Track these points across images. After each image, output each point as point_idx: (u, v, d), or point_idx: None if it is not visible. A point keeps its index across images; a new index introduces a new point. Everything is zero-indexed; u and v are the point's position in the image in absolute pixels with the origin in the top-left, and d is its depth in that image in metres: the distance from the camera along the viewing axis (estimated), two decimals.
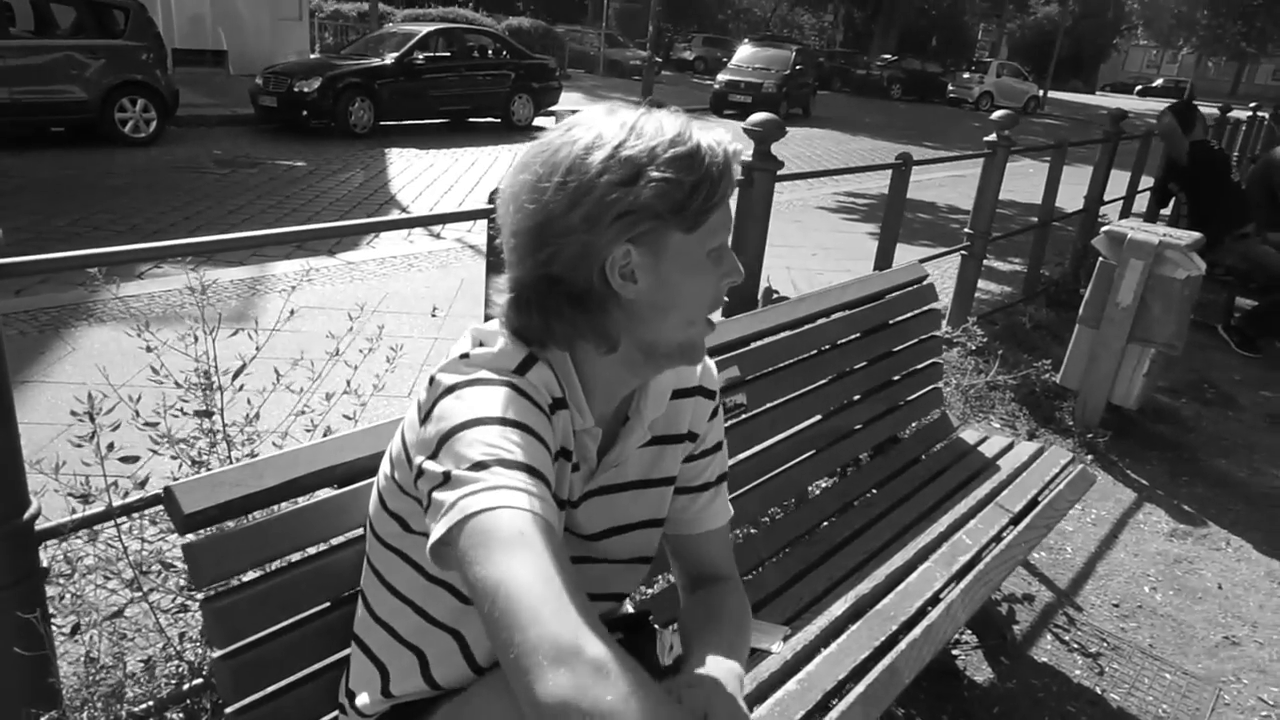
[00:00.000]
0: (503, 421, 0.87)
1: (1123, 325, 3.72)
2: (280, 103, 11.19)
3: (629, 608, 1.37)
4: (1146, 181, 7.23)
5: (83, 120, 9.17)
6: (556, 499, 1.01)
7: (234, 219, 6.90)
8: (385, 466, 1.07)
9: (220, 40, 15.69)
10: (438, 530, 0.79)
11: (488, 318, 1.09)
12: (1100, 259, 3.81)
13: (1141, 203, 7.49)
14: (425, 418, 0.93)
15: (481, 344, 1.00)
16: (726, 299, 1.22)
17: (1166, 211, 6.58)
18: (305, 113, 11.14)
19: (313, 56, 15.34)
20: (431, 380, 0.96)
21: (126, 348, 3.93)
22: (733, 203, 1.04)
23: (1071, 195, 6.34)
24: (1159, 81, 58.05)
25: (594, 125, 0.95)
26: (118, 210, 6.78)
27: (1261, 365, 5.16)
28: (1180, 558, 3.05)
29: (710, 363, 1.22)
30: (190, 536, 1.15)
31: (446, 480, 0.82)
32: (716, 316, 2.90)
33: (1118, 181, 6.54)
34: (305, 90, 11.06)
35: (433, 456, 0.87)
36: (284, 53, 15.15)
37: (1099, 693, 2.33)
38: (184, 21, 15.05)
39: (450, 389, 0.92)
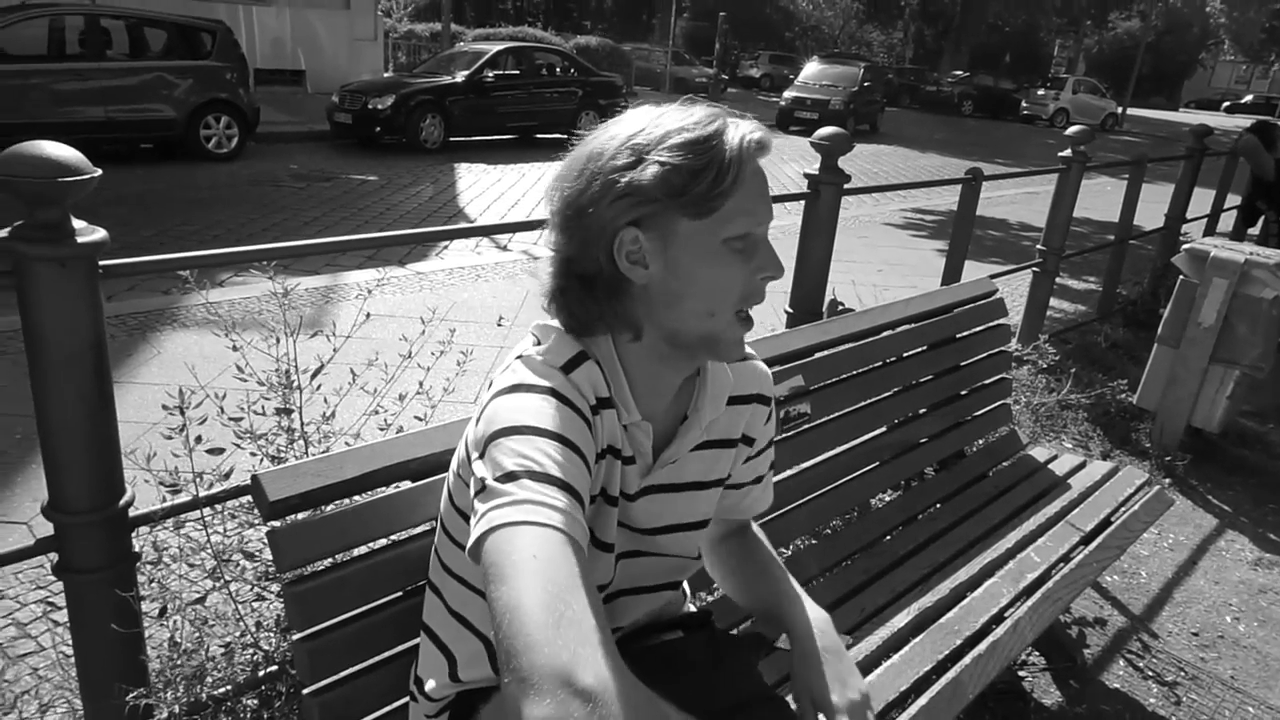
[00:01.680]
0: (538, 432, 0.90)
1: (1205, 345, 3.60)
2: (355, 119, 11.55)
3: (691, 607, 1.38)
4: (1232, 200, 6.97)
5: (170, 137, 9.61)
6: (606, 494, 1.05)
7: (309, 230, 7.14)
8: (453, 464, 1.11)
9: (299, 60, 16.30)
10: (472, 536, 0.83)
11: None
12: (1181, 278, 3.69)
13: (1227, 221, 7.22)
14: (479, 417, 0.97)
15: (538, 341, 1.03)
16: (787, 303, 1.22)
17: (1254, 231, 6.33)
18: (378, 129, 11.47)
19: (386, 75, 15.80)
20: (489, 381, 1.01)
21: (209, 351, 4.11)
22: (794, 209, 1.05)
23: (1152, 213, 6.16)
24: (1248, 98, 55.79)
25: (628, 117, 1.00)
26: (201, 222, 7.08)
27: None
28: (1265, 588, 2.92)
29: (765, 369, 1.24)
30: (274, 523, 1.20)
31: (483, 488, 0.86)
32: (780, 326, 2.88)
33: (1201, 200, 6.31)
34: (379, 107, 11.39)
35: (480, 456, 0.90)
36: (359, 72, 15.67)
37: None
38: (265, 43, 15.68)
39: (500, 392, 0.96)
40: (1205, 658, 2.54)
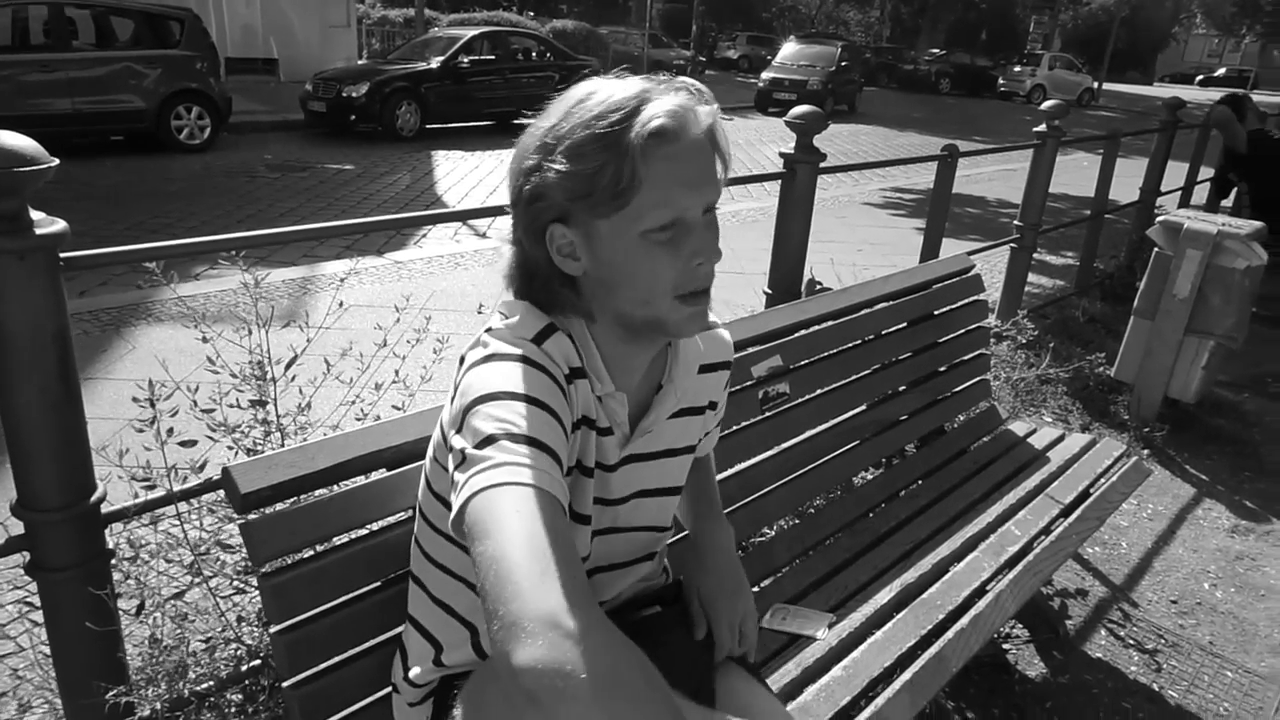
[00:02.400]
0: (512, 396, 0.90)
1: (1180, 317, 3.62)
2: (329, 108, 11.42)
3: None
4: (1206, 172, 7.02)
5: (140, 128, 9.46)
6: (581, 465, 1.05)
7: (285, 221, 7.06)
8: (430, 451, 1.10)
9: (271, 48, 16.07)
10: (454, 507, 0.83)
11: None
12: (1156, 250, 3.71)
13: (1201, 193, 7.28)
14: (454, 394, 0.97)
15: (506, 315, 1.03)
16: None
17: (1227, 202, 6.38)
18: (353, 117, 11.35)
19: (360, 62, 15.61)
20: (461, 359, 1.00)
21: (184, 345, 4.06)
22: (772, 190, 1.03)
23: (1127, 187, 6.19)
24: (1221, 71, 56.12)
25: (560, 101, 0.99)
26: (174, 214, 6.98)
27: None
28: (1242, 554, 2.96)
29: (727, 336, 1.26)
30: (248, 516, 1.19)
31: (463, 459, 0.86)
32: (758, 306, 2.87)
33: (1175, 173, 6.36)
34: (353, 95, 11.27)
35: (458, 431, 0.90)
36: (333, 59, 15.47)
37: (1156, 689, 2.28)
38: (236, 31, 15.45)
39: (473, 364, 0.96)
40: (1184, 625, 2.57)
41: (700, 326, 1.04)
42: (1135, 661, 2.38)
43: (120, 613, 1.60)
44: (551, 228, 0.98)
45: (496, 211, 2.64)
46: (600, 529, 1.13)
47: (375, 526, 1.29)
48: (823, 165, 2.91)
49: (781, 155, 2.89)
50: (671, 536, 1.31)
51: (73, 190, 7.55)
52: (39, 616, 2.28)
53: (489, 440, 0.85)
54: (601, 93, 0.96)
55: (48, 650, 1.61)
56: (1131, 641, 2.46)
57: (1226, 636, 2.53)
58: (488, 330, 1.02)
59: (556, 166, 0.94)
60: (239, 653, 1.81)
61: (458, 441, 0.88)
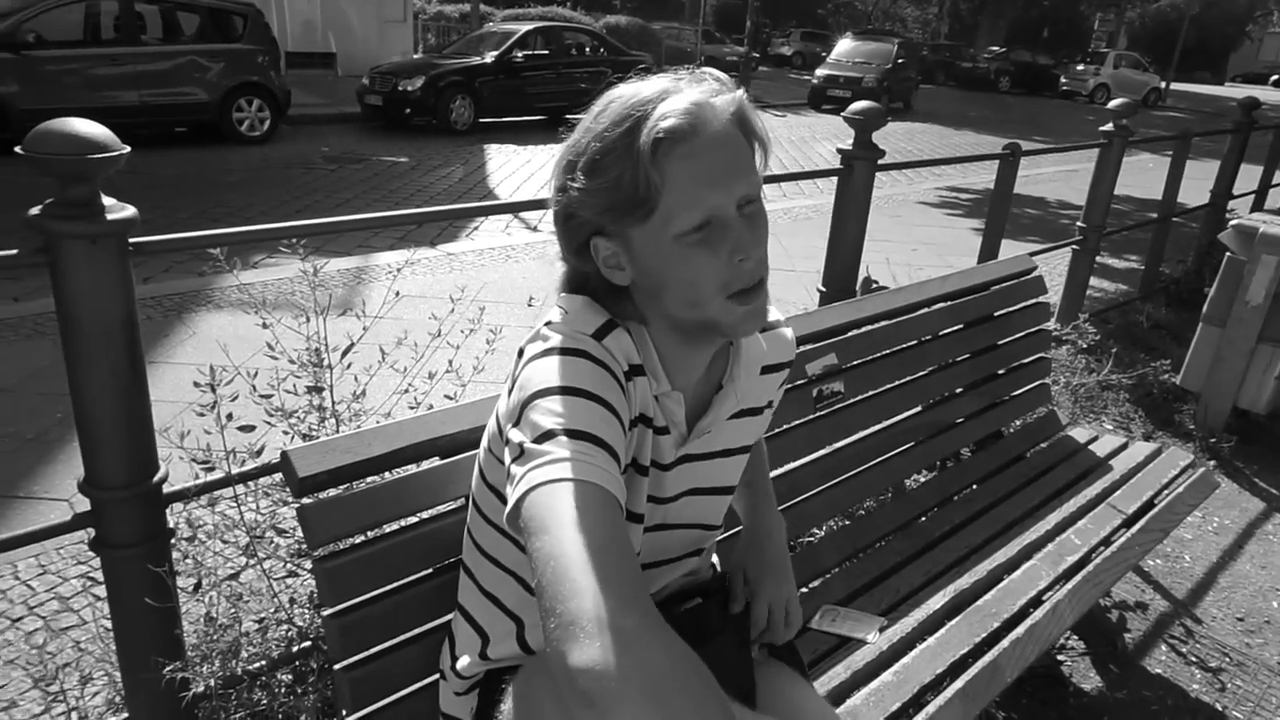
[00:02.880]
0: (571, 391, 0.89)
1: (1252, 325, 3.49)
2: (385, 101, 11.59)
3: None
4: None
5: (203, 120, 9.71)
6: (638, 464, 1.04)
7: (341, 211, 7.18)
8: (484, 442, 1.10)
9: (330, 43, 16.37)
10: (510, 501, 0.83)
11: None
12: (1228, 254, 3.58)
13: (1275, 198, 7.01)
14: (511, 387, 0.96)
15: (565, 311, 1.02)
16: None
17: None
18: (409, 111, 11.51)
19: (416, 57, 15.82)
20: (520, 351, 0.99)
21: (243, 332, 4.15)
22: (828, 187, 1.01)
23: (1197, 190, 5.99)
24: None
25: (587, 115, 0.98)
26: (234, 204, 7.15)
27: None
28: None
29: (791, 336, 1.22)
30: (305, 500, 1.20)
31: (521, 453, 0.85)
32: (813, 304, 2.83)
33: (1248, 176, 6.13)
34: (409, 89, 11.42)
35: (515, 424, 0.89)
36: (389, 54, 15.71)
37: (1219, 709, 2.20)
38: (296, 26, 15.75)
39: (532, 358, 0.95)
40: (1251, 643, 2.48)
41: (758, 325, 1.00)
42: (1197, 679, 2.30)
43: (178, 590, 1.63)
44: (594, 241, 0.98)
45: (546, 205, 2.65)
46: (651, 525, 1.12)
47: (428, 514, 1.30)
48: (881, 162, 2.86)
49: (839, 151, 2.85)
50: (722, 533, 1.29)
51: (138, 180, 7.78)
52: (101, 591, 2.36)
53: (548, 435, 0.84)
54: (620, 99, 0.94)
55: (109, 624, 1.66)
56: (1194, 659, 2.38)
57: None
58: (547, 324, 1.01)
59: (577, 184, 0.94)
60: (290, 634, 1.84)
61: (515, 435, 0.88)
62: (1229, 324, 3.56)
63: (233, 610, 1.78)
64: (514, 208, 2.33)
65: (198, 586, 1.70)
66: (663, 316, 1.01)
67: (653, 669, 0.68)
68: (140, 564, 1.52)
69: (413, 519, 1.29)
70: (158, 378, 3.61)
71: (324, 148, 10.10)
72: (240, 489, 1.74)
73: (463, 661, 1.15)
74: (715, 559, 1.35)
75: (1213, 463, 3.49)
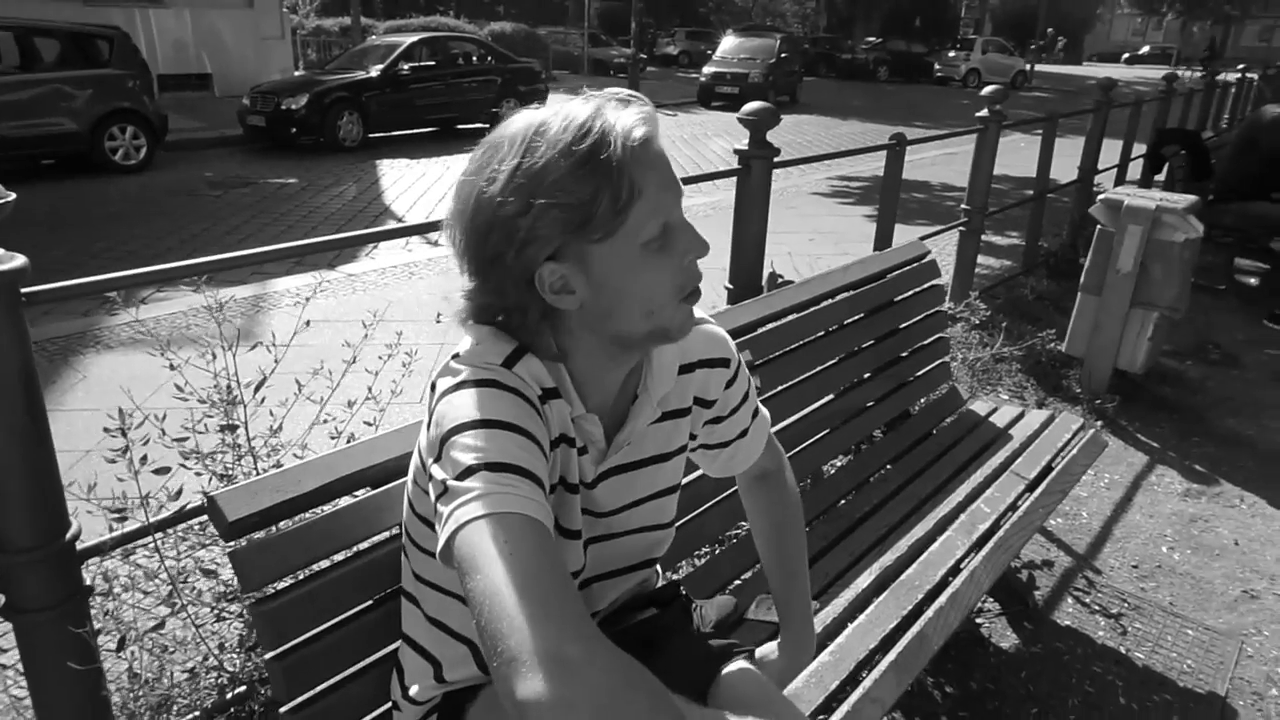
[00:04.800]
0: (487, 424, 0.89)
1: (1125, 291, 3.75)
2: (269, 121, 11.20)
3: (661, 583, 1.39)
4: (1139, 149, 7.26)
5: (74, 151, 9.19)
6: (565, 482, 1.05)
7: (232, 239, 6.93)
8: (410, 474, 1.10)
9: (204, 63, 15.71)
10: (440, 540, 0.84)
11: None
12: (1099, 226, 3.83)
13: (1135, 170, 7.51)
14: (429, 421, 0.96)
15: (472, 340, 1.01)
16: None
17: (1160, 177, 6.60)
18: (294, 130, 11.16)
19: (298, 74, 15.35)
20: (432, 386, 0.99)
21: (138, 371, 3.97)
22: (725, 185, 1.05)
23: (1064, 167, 6.36)
24: (1145, 49, 57.98)
25: (504, 140, 0.94)
26: (114, 238, 6.81)
27: (1263, 325, 5.17)
28: (1195, 517, 3.08)
29: (717, 331, 1.22)
30: (237, 544, 1.18)
31: (445, 490, 0.86)
32: (721, 302, 2.90)
33: (1109, 150, 6.55)
34: (293, 107, 11.07)
35: (436, 460, 0.90)
36: (268, 72, 15.18)
37: (1123, 652, 2.36)
38: (167, 47, 15.06)
39: (444, 393, 0.95)
40: (1145, 588, 2.67)
41: (694, 322, 1.05)
42: (1102, 626, 2.47)
43: (101, 646, 1.57)
44: (541, 269, 0.94)
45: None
46: (593, 537, 1.14)
47: (363, 546, 1.29)
48: (776, 159, 2.96)
49: (736, 151, 2.93)
50: (668, 543, 1.30)
51: (7, 220, 7.32)
52: (7, 659, 2.23)
53: (468, 471, 0.85)
54: (555, 119, 0.92)
55: (19, 693, 1.58)
56: (1097, 608, 2.55)
57: (1186, 596, 2.63)
58: (454, 356, 1.00)
59: (546, 203, 0.89)
60: (222, 681, 1.79)
61: (438, 472, 0.88)
62: (1104, 291, 3.82)
63: (157, 663, 1.72)
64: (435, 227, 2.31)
65: (122, 643, 1.64)
66: (602, 337, 1.00)
67: (599, 693, 0.69)
68: (57, 627, 1.45)
69: (348, 552, 1.28)
70: (51, 427, 3.42)
71: (207, 173, 9.70)
72: (159, 536, 1.68)
73: (415, 689, 1.15)
74: (659, 567, 1.38)
75: (1100, 423, 3.74)
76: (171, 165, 10.08)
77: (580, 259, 0.94)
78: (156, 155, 9.90)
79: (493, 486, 0.83)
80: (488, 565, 0.77)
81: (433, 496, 0.88)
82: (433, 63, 12.92)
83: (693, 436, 1.25)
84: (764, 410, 1.33)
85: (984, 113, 4.50)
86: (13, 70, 9.11)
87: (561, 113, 0.92)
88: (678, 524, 1.32)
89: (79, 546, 1.48)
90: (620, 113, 0.92)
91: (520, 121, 0.94)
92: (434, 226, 2.46)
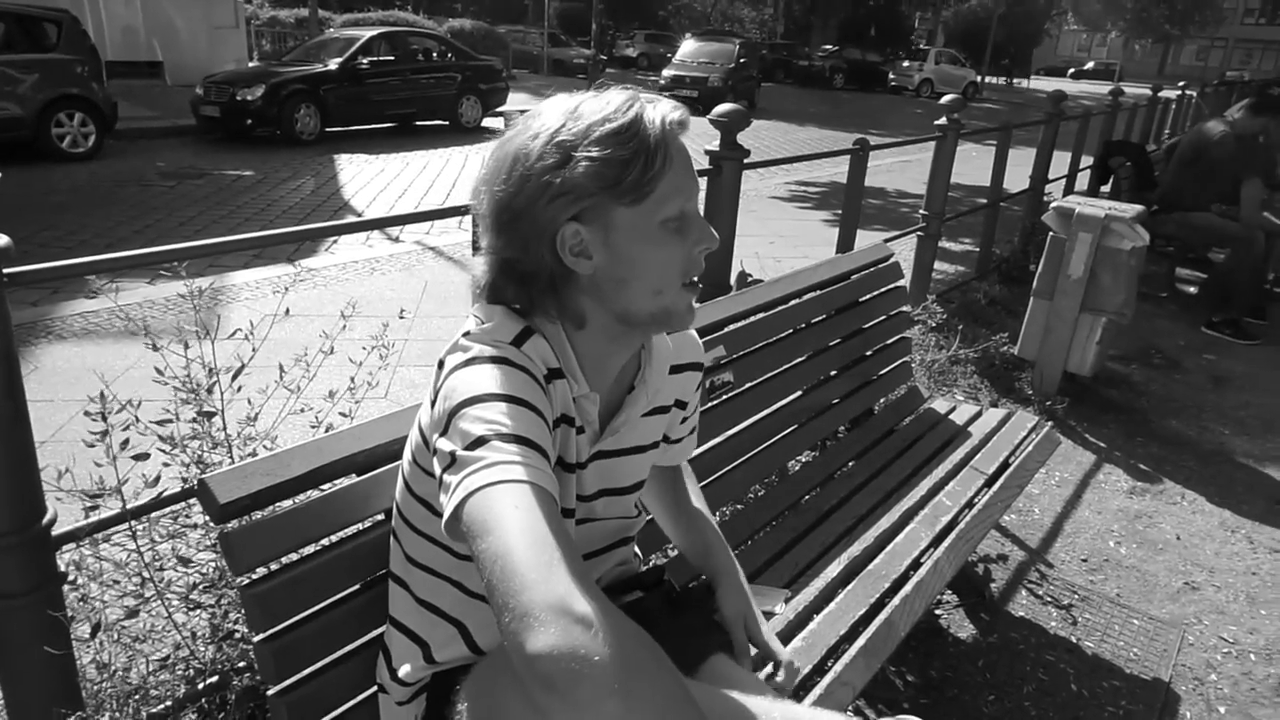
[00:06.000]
0: (498, 397, 0.92)
1: (1075, 296, 3.88)
2: (223, 112, 10.99)
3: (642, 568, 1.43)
4: (1086, 160, 7.49)
5: (19, 137, 8.91)
6: (563, 462, 1.09)
7: (186, 230, 6.79)
8: (407, 454, 1.12)
9: (155, 51, 15.35)
10: (447, 510, 0.85)
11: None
12: (1051, 234, 3.96)
13: (1083, 180, 7.75)
14: (435, 397, 0.98)
15: (482, 321, 1.05)
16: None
17: (1106, 188, 6.83)
18: (250, 121, 10.96)
19: (252, 64, 15.08)
20: (440, 363, 1.02)
21: (91, 362, 3.89)
22: (700, 186, 1.10)
23: (1015, 176, 6.55)
24: (1090, 64, 59.75)
25: (542, 114, 1.03)
26: (63, 227, 6.63)
27: (1202, 332, 5.39)
28: (1140, 513, 3.21)
29: (696, 337, 1.31)
30: (227, 526, 1.18)
31: (453, 461, 0.87)
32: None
33: (1058, 161, 6.76)
34: (249, 99, 10.89)
35: (443, 434, 0.92)
36: (221, 61, 14.87)
37: (1074, 641, 2.46)
38: (116, 33, 14.68)
39: (454, 368, 0.97)
40: (1094, 580, 2.78)
41: (692, 321, 1.10)
42: (1054, 617, 2.56)
43: (74, 634, 1.55)
44: (564, 228, 1.00)
45: (439, 215, 2.65)
46: (580, 519, 1.17)
47: (351, 530, 1.30)
48: (746, 161, 3.01)
49: (707, 152, 2.97)
50: (640, 524, 1.35)
51: None
52: None
53: (479, 441, 0.87)
54: (592, 99, 1.01)
55: None
56: (1049, 599, 2.65)
57: (1132, 588, 2.75)
58: (465, 334, 1.03)
59: (587, 156, 0.96)
60: (191, 671, 1.78)
61: (445, 444, 0.90)
62: (1055, 297, 3.95)
63: (131, 651, 1.70)
64: (416, 218, 2.31)
65: (96, 630, 1.62)
66: (610, 310, 1.05)
67: (611, 648, 0.71)
68: (31, 614, 1.44)
69: (336, 536, 1.29)
70: None
71: (159, 163, 9.48)
72: (134, 523, 1.66)
73: (404, 670, 1.17)
74: (637, 549, 1.42)
75: (1050, 423, 3.85)
76: (121, 154, 9.83)
77: (603, 224, 1.00)
78: (106, 144, 9.66)
79: (505, 455, 0.85)
80: (499, 528, 0.79)
81: (438, 469, 0.90)
82: (392, 58, 12.79)
83: (665, 438, 1.32)
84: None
85: (943, 121, 4.62)
86: None
87: (602, 95, 1.01)
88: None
89: (55, 532, 1.47)
90: (658, 100, 1.03)
91: (562, 97, 1.03)
92: (398, 220, 2.48)
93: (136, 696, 1.67)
